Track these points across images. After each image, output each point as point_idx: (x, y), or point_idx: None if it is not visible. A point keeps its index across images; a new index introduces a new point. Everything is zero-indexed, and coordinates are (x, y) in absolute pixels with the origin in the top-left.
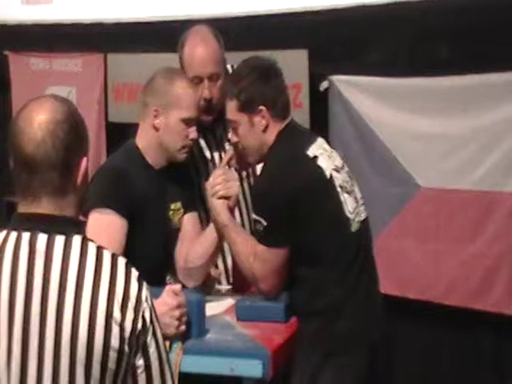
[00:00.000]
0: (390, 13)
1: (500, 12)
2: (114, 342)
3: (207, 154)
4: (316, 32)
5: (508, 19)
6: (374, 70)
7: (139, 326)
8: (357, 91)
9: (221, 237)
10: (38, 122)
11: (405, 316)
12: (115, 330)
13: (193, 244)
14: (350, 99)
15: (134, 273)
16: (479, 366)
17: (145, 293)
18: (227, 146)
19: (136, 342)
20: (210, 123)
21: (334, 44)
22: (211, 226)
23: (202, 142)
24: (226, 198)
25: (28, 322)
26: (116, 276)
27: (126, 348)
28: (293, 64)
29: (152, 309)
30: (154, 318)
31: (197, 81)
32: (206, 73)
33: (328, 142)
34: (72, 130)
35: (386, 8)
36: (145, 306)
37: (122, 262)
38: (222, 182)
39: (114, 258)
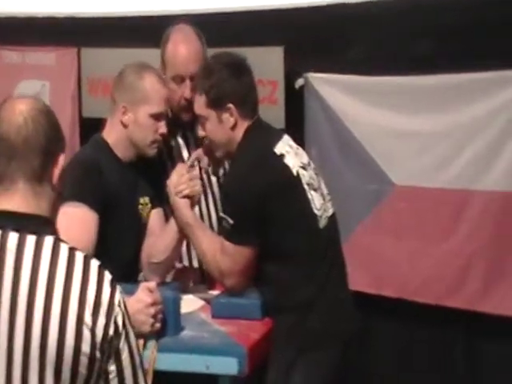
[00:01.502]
0: (367, 11)
1: (478, 11)
2: (85, 347)
3: (184, 152)
4: (292, 29)
5: (486, 19)
6: (350, 68)
7: (111, 331)
8: (332, 89)
9: (183, 235)
10: (20, 109)
11: (379, 313)
12: (86, 335)
13: (156, 240)
14: (325, 97)
15: (107, 276)
16: (452, 363)
17: (117, 297)
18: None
19: (108, 347)
20: (190, 120)
21: (310, 41)
22: (172, 221)
23: (181, 141)
24: (189, 197)
25: None
26: (88, 280)
27: (98, 354)
28: (269, 61)
29: (125, 313)
30: (127, 323)
31: (179, 80)
32: (187, 72)
33: (303, 140)
34: (52, 124)
35: (363, 6)
36: (117, 310)
37: (94, 265)
38: (187, 181)
39: (86, 260)
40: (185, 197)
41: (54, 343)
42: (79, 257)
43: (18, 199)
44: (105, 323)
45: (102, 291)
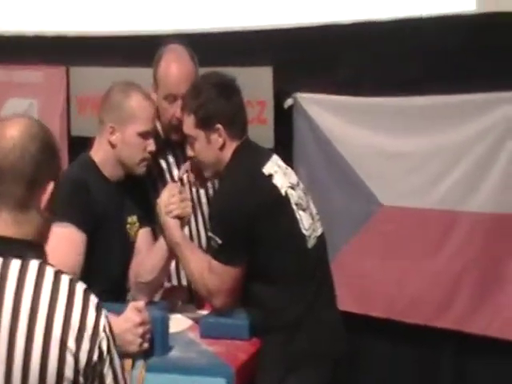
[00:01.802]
0: (356, 31)
1: (466, 34)
2: (68, 372)
3: (175, 171)
4: (281, 49)
5: (473, 41)
6: (339, 89)
7: (95, 356)
8: (321, 109)
9: (173, 254)
10: (10, 134)
11: (366, 333)
12: (69, 360)
13: (143, 260)
14: (314, 117)
15: (93, 300)
16: (440, 381)
17: (103, 322)
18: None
19: (92, 372)
20: (180, 139)
21: (299, 62)
22: (160, 241)
23: (171, 159)
24: (180, 217)
25: None
26: (73, 304)
27: (81, 379)
28: (257, 81)
29: (110, 338)
30: (112, 348)
31: (171, 99)
32: (180, 92)
33: (292, 159)
34: (44, 150)
35: (351, 27)
36: (102, 336)
37: (80, 288)
38: (177, 202)
39: (71, 284)
40: (175, 217)
41: (36, 369)
42: (65, 280)
43: (2, 226)
44: (89, 348)
45: (87, 316)
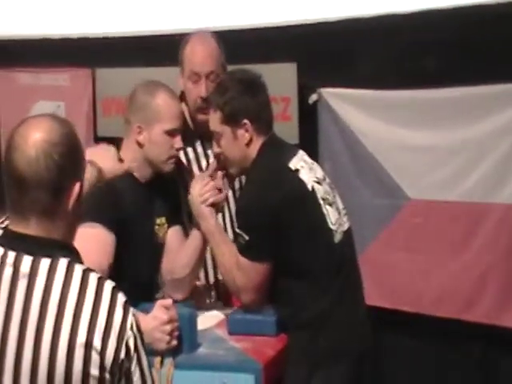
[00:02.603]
0: (379, 25)
1: (488, 25)
2: (94, 370)
3: (203, 162)
4: (305, 45)
5: (496, 32)
6: (363, 83)
7: (122, 354)
8: (346, 104)
9: (205, 247)
10: (33, 140)
11: (395, 328)
12: (95, 358)
13: (177, 255)
14: (338, 112)
15: (121, 299)
16: (469, 377)
17: (130, 320)
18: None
19: (119, 370)
20: (206, 120)
21: (323, 57)
22: (193, 236)
23: (200, 149)
24: (214, 205)
25: (5, 345)
26: (100, 302)
27: (108, 376)
28: (282, 77)
29: (137, 336)
30: (140, 346)
31: (195, 78)
32: (204, 70)
33: (317, 155)
34: (67, 154)
35: (374, 20)
36: (129, 334)
37: (108, 287)
38: (211, 189)
39: (100, 282)
40: (210, 205)
41: (61, 367)
42: (93, 278)
43: (31, 229)
44: (116, 346)
45: (114, 313)
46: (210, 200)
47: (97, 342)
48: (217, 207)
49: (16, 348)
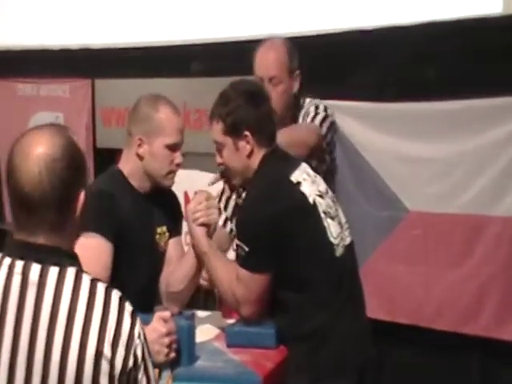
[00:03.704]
0: (378, 37)
1: (489, 38)
2: (103, 379)
3: None
4: (304, 56)
5: (496, 45)
6: (363, 95)
7: (130, 363)
8: (345, 115)
9: (201, 262)
10: (34, 159)
11: (394, 340)
12: (105, 367)
13: (174, 269)
14: (338, 124)
15: (128, 308)
16: None
17: (138, 329)
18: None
19: (127, 378)
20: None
21: (322, 68)
22: (190, 250)
23: None
24: (206, 225)
25: (15, 354)
26: (108, 311)
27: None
28: None
29: (144, 345)
30: (147, 355)
31: (260, 82)
32: (266, 74)
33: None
34: (70, 166)
35: (374, 33)
36: (137, 342)
37: (115, 296)
38: (204, 209)
39: (107, 292)
40: (201, 225)
41: (72, 375)
42: (100, 288)
43: (40, 240)
44: (124, 356)
45: (123, 323)
46: (201, 220)
47: (107, 351)
48: (209, 228)
49: (27, 357)
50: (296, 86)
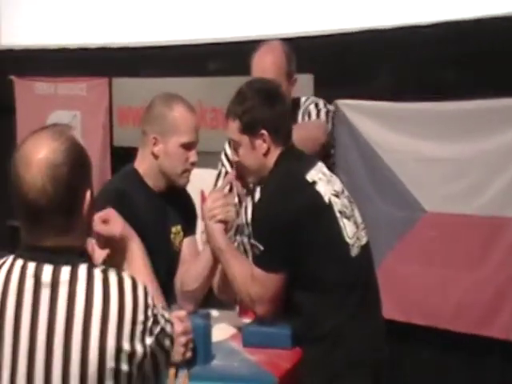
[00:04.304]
0: (396, 37)
1: (506, 38)
2: (125, 367)
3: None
4: (322, 57)
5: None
6: (380, 95)
7: (148, 349)
8: (362, 115)
9: (217, 261)
10: (36, 166)
11: (410, 341)
12: (124, 359)
13: (189, 268)
14: (355, 123)
15: (141, 293)
16: None
17: (151, 308)
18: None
19: (148, 362)
20: None
21: (340, 69)
22: (205, 249)
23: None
24: (224, 222)
25: (33, 357)
26: (124, 304)
27: (135, 370)
28: (299, 89)
29: (159, 318)
30: (158, 329)
31: None
32: (264, 77)
33: (333, 166)
34: (73, 169)
35: (392, 33)
36: (150, 323)
37: (128, 284)
38: (221, 206)
39: (120, 282)
40: (219, 222)
41: (94, 375)
42: (113, 281)
43: (49, 242)
44: (141, 341)
45: (138, 313)
46: (219, 217)
47: (127, 347)
48: (226, 225)
49: (45, 359)
50: (294, 90)
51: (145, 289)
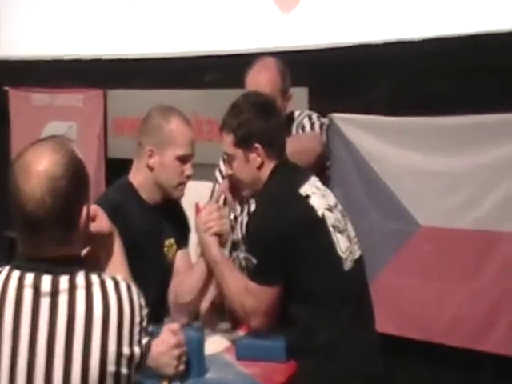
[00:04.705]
0: (391, 52)
1: (503, 53)
2: (125, 370)
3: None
4: (316, 70)
5: (507, 60)
6: (374, 108)
7: (144, 349)
8: (357, 129)
9: (211, 273)
10: (36, 179)
11: (405, 356)
12: (124, 363)
13: (183, 280)
14: (350, 137)
15: (135, 297)
16: None
17: (143, 308)
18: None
19: (141, 363)
20: None
21: (335, 82)
22: (199, 261)
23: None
24: (219, 234)
25: (32, 369)
26: (123, 308)
27: (133, 372)
28: (293, 102)
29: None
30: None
31: None
32: None
33: (328, 179)
34: (72, 183)
35: (386, 47)
36: (145, 323)
37: (124, 288)
38: (216, 219)
39: (116, 286)
40: (214, 235)
41: (95, 377)
42: (110, 286)
43: (48, 253)
44: (138, 343)
45: (135, 318)
46: (213, 230)
47: (126, 351)
48: (221, 238)
49: (45, 370)
50: (289, 106)
51: (136, 290)
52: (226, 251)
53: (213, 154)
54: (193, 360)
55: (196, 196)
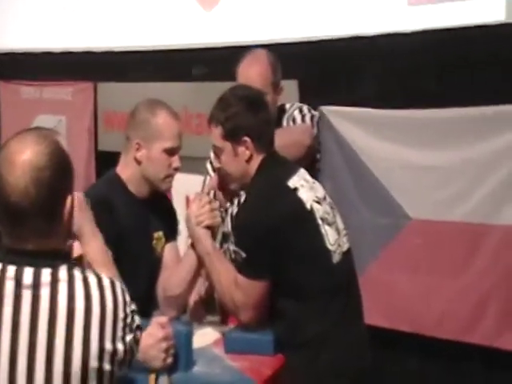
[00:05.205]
0: (382, 44)
1: (490, 45)
2: (107, 366)
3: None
4: (306, 63)
5: (498, 53)
6: (365, 101)
7: (128, 346)
8: (347, 122)
9: (201, 266)
10: (19, 168)
11: (394, 348)
12: (107, 358)
13: (171, 273)
14: (340, 130)
15: (119, 292)
16: None
17: (129, 308)
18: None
19: (127, 360)
20: None
21: (325, 75)
22: (188, 254)
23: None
24: (210, 227)
25: (15, 360)
26: (105, 305)
27: (117, 368)
28: (284, 95)
29: (134, 308)
30: (135, 315)
31: None
32: None
33: (318, 172)
34: (56, 173)
35: (377, 40)
36: (129, 319)
37: (107, 284)
38: (207, 212)
39: (99, 282)
40: (205, 227)
41: (77, 376)
42: (93, 281)
43: (30, 246)
44: (122, 339)
45: (118, 313)
46: (205, 222)
47: (109, 346)
48: (212, 230)
49: (27, 362)
50: (280, 99)
51: (121, 286)
52: (217, 243)
53: (203, 148)
54: (181, 353)
55: (186, 189)
